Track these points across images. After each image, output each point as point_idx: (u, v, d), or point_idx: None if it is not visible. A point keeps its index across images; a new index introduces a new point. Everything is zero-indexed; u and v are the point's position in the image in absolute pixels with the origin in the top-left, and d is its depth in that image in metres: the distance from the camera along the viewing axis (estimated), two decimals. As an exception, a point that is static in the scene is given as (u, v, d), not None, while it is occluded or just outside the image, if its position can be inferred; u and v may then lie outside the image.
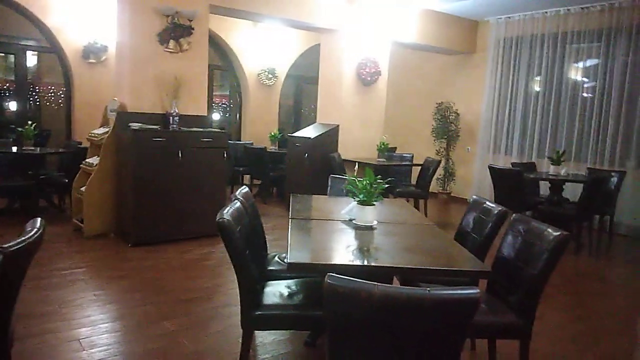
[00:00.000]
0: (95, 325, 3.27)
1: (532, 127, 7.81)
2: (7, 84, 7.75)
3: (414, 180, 7.23)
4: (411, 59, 9.50)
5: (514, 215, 2.69)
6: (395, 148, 8.16)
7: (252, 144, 8.39)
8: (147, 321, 3.36)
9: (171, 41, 5.23)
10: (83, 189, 5.28)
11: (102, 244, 5.10)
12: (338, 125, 7.08)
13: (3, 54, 7.53)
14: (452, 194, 8.83)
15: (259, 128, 9.16)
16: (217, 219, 2.12)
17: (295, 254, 2.04)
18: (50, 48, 7.30)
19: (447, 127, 8.71)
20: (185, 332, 3.17)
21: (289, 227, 2.50)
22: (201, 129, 5.35)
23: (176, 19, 5.22)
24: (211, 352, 2.94)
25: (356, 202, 2.58)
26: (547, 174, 6.17)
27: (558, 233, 2.24)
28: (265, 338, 3.12)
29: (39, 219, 1.98)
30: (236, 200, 2.57)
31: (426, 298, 1.38)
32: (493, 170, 6.05)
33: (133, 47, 5.16)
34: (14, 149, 6.02)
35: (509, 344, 2.49)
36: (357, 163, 3.19)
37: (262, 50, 9.05)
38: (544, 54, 7.62)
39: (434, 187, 8.43)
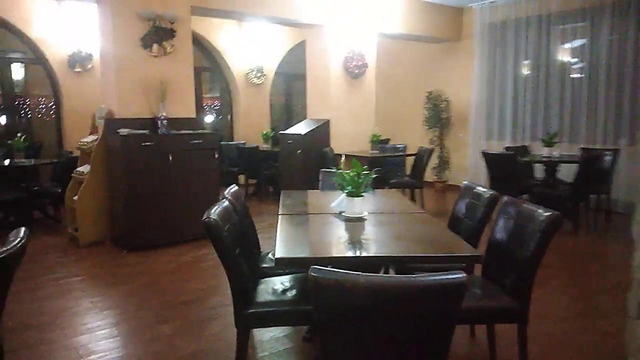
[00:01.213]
0: (93, 333, 3.26)
1: (523, 111, 7.80)
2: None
3: (409, 171, 7.22)
4: (398, 50, 9.47)
5: (504, 198, 2.68)
6: (389, 139, 8.15)
7: (244, 143, 8.36)
8: (143, 326, 3.35)
9: (154, 45, 5.19)
10: (76, 198, 5.26)
11: (98, 252, 5.09)
12: (328, 120, 7.06)
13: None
14: (447, 182, 8.82)
15: (251, 127, 9.14)
16: (204, 218, 2.11)
17: (283, 249, 2.02)
18: (36, 59, 7.26)
19: (438, 116, 8.69)
20: (182, 335, 3.16)
21: (278, 223, 2.48)
22: (190, 131, 5.32)
23: (158, 22, 5.19)
24: (209, 352, 2.93)
25: (345, 194, 2.56)
26: (541, 156, 6.16)
27: (549, 213, 2.22)
28: (263, 335, 3.11)
29: (22, 229, 1.95)
30: (224, 200, 2.55)
31: (412, 285, 1.37)
32: (486, 155, 6.04)
33: (117, 53, 5.12)
34: (6, 162, 5.98)
35: (509, 328, 2.47)
36: (343, 155, 3.17)
37: (248, 49, 9.01)
38: (530, 37, 7.59)
39: (429, 176, 8.42)
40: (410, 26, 7.86)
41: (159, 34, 5.18)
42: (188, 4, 5.50)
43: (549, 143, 6.08)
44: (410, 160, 7.15)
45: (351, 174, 2.55)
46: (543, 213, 2.25)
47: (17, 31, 6.90)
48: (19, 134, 6.27)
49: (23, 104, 7.74)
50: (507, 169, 5.75)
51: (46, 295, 3.90)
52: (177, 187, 5.16)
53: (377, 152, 6.87)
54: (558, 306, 3.63)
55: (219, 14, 6.48)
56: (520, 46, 7.76)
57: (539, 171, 6.55)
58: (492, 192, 2.79)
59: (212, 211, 2.21)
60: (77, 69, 7.28)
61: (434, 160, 8.38)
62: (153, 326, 3.31)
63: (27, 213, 6.04)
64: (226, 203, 2.50)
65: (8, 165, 5.92)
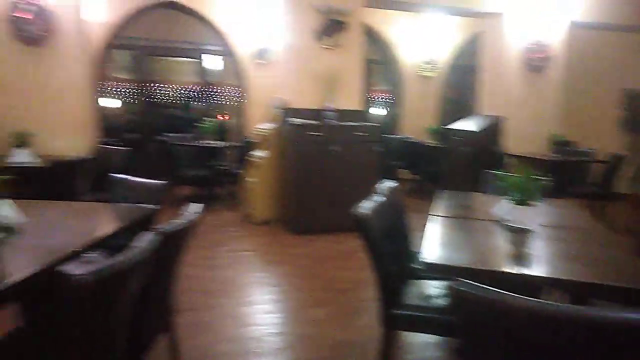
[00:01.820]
0: (253, 306, 3.54)
1: None
2: (193, 86, 8.87)
3: (595, 180, 6.34)
4: (591, 41, 8.28)
5: None
6: (573, 142, 7.25)
7: (409, 137, 8.24)
8: (299, 307, 3.53)
9: (327, 37, 5.38)
10: (251, 179, 5.77)
11: (267, 230, 5.50)
12: (502, 117, 6.55)
13: (189, 59, 8.61)
14: (646, 197, 7.52)
15: (418, 121, 8.96)
16: (355, 211, 2.10)
17: (431, 253, 1.90)
18: (227, 52, 8.07)
19: (638, 119, 7.44)
20: (333, 322, 3.24)
21: (429, 223, 2.35)
22: (354, 123, 5.41)
23: (331, 15, 5.35)
24: (356, 344, 2.96)
25: (510, 201, 2.32)
26: None
27: None
28: (413, 338, 3.03)
29: (201, 205, 2.17)
30: (378, 194, 2.52)
31: (579, 318, 1.15)
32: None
33: (293, 46, 5.45)
34: (198, 142, 6.84)
35: None
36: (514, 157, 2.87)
37: (421, 41, 8.82)
38: None
39: (626, 188, 7.29)
40: (608, 13, 6.85)
41: (331, 27, 5.37)
42: (362, -5, 5.57)
43: None
44: (597, 168, 6.27)
45: (520, 178, 2.30)
46: None
47: (213, 26, 7.73)
48: (207, 118, 7.09)
49: (215, 91, 8.75)
50: None
51: (219, 264, 4.35)
52: (340, 176, 5.31)
53: (558, 155, 6.16)
54: None
55: (393, 5, 6.45)
56: None
57: None
58: None
59: (364, 205, 2.19)
60: (260, 61, 7.92)
61: (630, 170, 7.22)
62: (308, 309, 3.46)
63: (211, 189, 6.84)
64: (380, 197, 2.47)
65: (199, 145, 6.76)
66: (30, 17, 4.78)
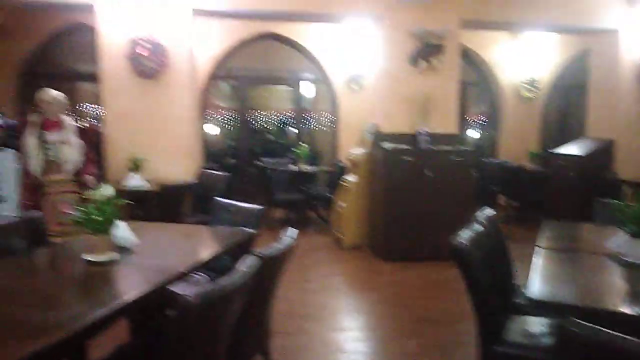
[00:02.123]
0: (345, 332, 3.53)
1: None
2: (288, 112, 9.22)
3: None
4: None
5: None
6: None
7: (507, 162, 7.84)
8: (390, 336, 3.46)
9: (421, 61, 5.34)
10: (342, 203, 5.82)
11: (357, 256, 5.48)
12: (613, 140, 6.04)
13: (285, 87, 8.98)
14: None
15: (517, 144, 8.50)
16: (453, 241, 2.03)
17: (539, 289, 1.78)
18: (321, 79, 8.31)
19: None
20: (427, 355, 3.13)
21: (534, 256, 2.21)
22: (449, 148, 5.27)
23: (427, 38, 5.31)
24: (451, 380, 2.83)
25: (625, 233, 2.12)
26: None
27: None
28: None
29: (295, 230, 2.23)
30: (477, 223, 2.42)
31: None
32: None
33: (387, 70, 5.47)
34: (292, 167, 7.07)
35: None
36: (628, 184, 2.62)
37: (521, 60, 8.42)
38: None
39: None
40: None
41: (427, 50, 5.31)
42: (458, 17, 5.45)
43: None
44: None
45: (637, 207, 2.10)
46: None
47: (309, 54, 8.02)
48: (302, 144, 7.30)
49: (310, 117, 9.02)
50: None
51: (309, 288, 4.39)
52: (433, 203, 5.16)
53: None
54: None
55: (492, 26, 6.26)
56: None
57: None
58: None
59: (463, 234, 2.12)
60: (353, 87, 8.03)
61: None
62: (399, 339, 3.38)
63: (303, 212, 6.99)
64: (478, 227, 2.37)
65: (293, 170, 6.97)
66: (147, 53, 5.27)
